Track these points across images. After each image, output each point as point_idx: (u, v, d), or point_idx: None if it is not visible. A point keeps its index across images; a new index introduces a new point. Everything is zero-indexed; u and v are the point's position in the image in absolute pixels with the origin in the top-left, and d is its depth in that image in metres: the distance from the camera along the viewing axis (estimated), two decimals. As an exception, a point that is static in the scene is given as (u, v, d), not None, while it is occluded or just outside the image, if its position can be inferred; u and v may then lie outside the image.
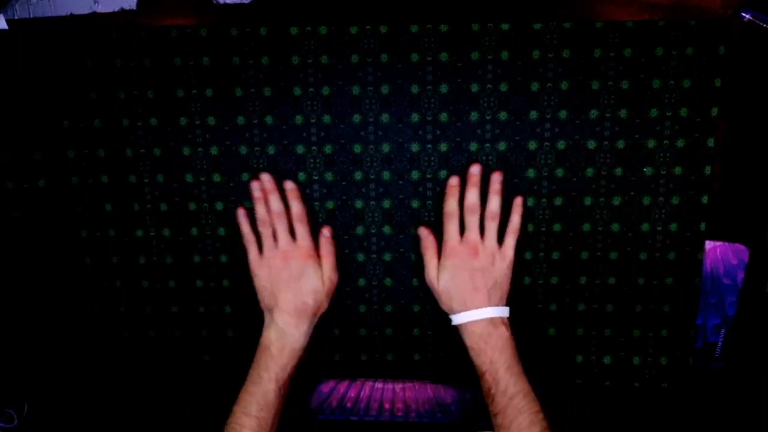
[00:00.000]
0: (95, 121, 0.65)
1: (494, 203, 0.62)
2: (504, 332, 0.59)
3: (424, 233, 0.64)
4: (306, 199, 0.66)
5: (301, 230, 0.63)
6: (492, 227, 0.61)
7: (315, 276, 0.62)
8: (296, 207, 0.63)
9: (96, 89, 0.65)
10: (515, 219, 0.63)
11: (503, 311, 0.60)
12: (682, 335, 0.69)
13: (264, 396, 0.58)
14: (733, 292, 0.70)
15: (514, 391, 0.57)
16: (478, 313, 0.59)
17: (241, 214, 0.65)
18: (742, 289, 0.69)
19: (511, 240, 0.62)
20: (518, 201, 0.63)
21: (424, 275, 0.63)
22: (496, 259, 0.61)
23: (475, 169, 0.62)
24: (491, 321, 0.59)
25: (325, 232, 0.65)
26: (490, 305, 0.60)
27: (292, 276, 0.61)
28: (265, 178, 0.64)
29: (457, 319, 0.60)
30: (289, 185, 0.64)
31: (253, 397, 0.58)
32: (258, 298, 0.63)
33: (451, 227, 0.62)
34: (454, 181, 0.63)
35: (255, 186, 0.64)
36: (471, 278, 0.60)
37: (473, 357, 0.59)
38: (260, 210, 0.64)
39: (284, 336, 0.60)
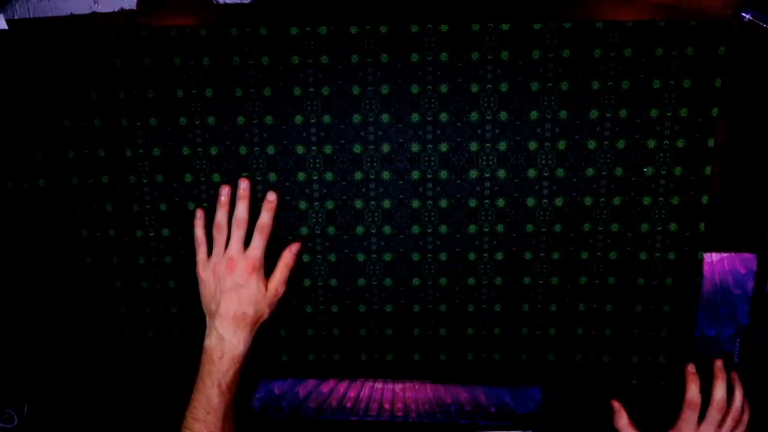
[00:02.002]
0: (95, 121, 0.65)
1: (739, 398, 0.64)
2: None
3: (617, 405, 0.67)
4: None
5: (257, 241, 0.63)
6: (732, 426, 0.64)
7: (257, 287, 0.62)
8: (264, 218, 0.64)
9: (96, 89, 0.65)
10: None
11: None
12: (681, 335, 0.69)
13: (209, 401, 0.59)
14: (745, 302, 0.70)
15: None
16: None
17: (199, 216, 0.65)
18: (752, 295, 0.69)
19: None
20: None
21: None
22: None
23: (719, 363, 0.65)
24: None
25: (293, 247, 0.66)
26: None
27: (234, 284, 0.61)
28: (243, 185, 0.64)
29: None
30: (271, 197, 0.65)
31: (198, 402, 0.60)
32: (201, 301, 0.64)
33: (692, 416, 0.64)
34: (692, 368, 0.66)
35: (223, 191, 0.64)
36: None
37: None
38: (220, 215, 0.64)
39: (223, 343, 0.61)
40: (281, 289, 0.64)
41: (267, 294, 0.63)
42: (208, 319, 0.63)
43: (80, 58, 0.64)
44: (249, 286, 0.62)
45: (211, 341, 0.61)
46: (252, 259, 0.62)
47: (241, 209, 0.64)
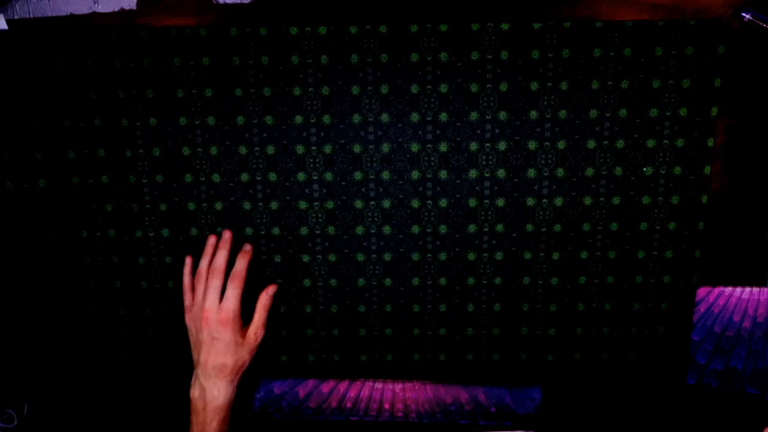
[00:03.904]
0: (95, 121, 0.65)
1: None
2: None
3: None
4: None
5: (230, 291, 0.62)
6: None
7: (233, 338, 0.61)
8: (239, 266, 0.63)
9: (96, 89, 0.65)
10: None
11: None
12: (679, 332, 0.69)
13: None
14: None
15: None
16: None
17: (187, 263, 0.66)
18: None
19: None
20: None
21: None
22: None
23: None
24: None
25: (270, 289, 0.65)
26: None
27: (210, 336, 0.61)
28: (226, 236, 0.65)
29: None
30: (247, 246, 0.65)
31: None
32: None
33: None
34: None
35: (210, 240, 0.65)
36: None
37: None
38: (202, 264, 0.64)
39: (205, 393, 0.61)
40: (261, 333, 0.63)
41: (246, 342, 0.62)
42: (194, 367, 0.63)
43: (80, 58, 0.64)
44: (225, 337, 0.61)
45: (194, 391, 0.62)
46: (225, 311, 0.61)
47: (220, 259, 0.63)
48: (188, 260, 0.66)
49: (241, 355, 0.62)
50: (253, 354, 0.63)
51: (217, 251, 0.64)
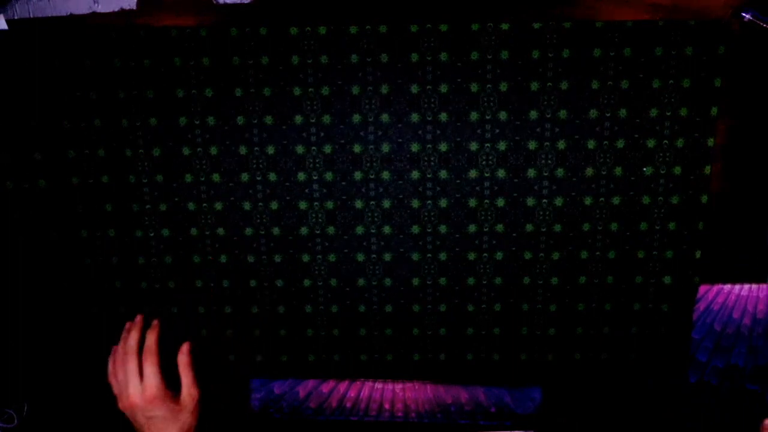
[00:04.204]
0: (95, 121, 0.65)
1: None
2: None
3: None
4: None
5: (148, 369, 0.61)
6: None
7: (168, 410, 0.61)
8: (147, 342, 0.62)
9: (96, 89, 0.65)
10: None
11: None
12: (679, 332, 0.69)
13: None
14: None
15: None
16: None
17: (113, 352, 0.64)
18: None
19: None
20: None
21: None
22: None
23: None
24: None
25: (184, 348, 0.64)
26: None
27: (145, 417, 0.61)
28: (137, 318, 0.64)
29: None
30: (153, 322, 0.64)
31: None
32: None
33: None
34: None
35: (126, 327, 0.64)
36: None
37: None
38: (118, 350, 0.63)
39: None
40: (195, 392, 0.63)
41: (183, 407, 0.62)
42: None
43: (80, 58, 0.64)
44: (159, 413, 0.61)
45: None
46: (149, 389, 0.61)
47: (131, 341, 0.62)
48: (114, 348, 0.64)
49: (183, 421, 0.61)
50: (197, 413, 0.62)
51: (130, 333, 0.63)
